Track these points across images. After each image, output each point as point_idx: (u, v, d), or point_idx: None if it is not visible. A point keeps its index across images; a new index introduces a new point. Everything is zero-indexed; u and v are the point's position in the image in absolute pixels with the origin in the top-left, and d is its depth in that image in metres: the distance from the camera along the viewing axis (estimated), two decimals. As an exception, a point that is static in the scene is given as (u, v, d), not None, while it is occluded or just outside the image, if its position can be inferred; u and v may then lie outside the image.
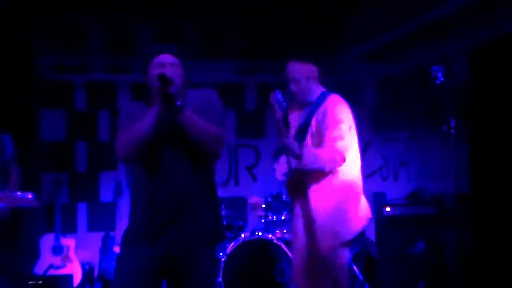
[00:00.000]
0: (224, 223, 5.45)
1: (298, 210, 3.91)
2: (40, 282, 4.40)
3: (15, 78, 6.07)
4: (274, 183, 5.67)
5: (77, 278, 5.69)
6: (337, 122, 3.70)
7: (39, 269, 5.60)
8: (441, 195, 5.21)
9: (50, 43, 6.63)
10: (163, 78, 2.64)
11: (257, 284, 5.05)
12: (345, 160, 3.65)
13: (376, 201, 5.40)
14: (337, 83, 4.15)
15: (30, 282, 4.39)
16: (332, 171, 3.69)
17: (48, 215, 6.11)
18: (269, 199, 5.56)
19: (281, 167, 4.93)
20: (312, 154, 3.68)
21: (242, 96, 7.20)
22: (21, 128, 5.63)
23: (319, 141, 3.74)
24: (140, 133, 2.65)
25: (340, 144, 3.66)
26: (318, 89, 3.86)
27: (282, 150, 3.86)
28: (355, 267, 5.04)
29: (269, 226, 5.42)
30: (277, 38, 6.99)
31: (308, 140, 3.79)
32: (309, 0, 6.40)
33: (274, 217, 5.47)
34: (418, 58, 5.79)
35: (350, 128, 3.73)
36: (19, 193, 4.06)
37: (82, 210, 6.78)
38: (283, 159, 4.72)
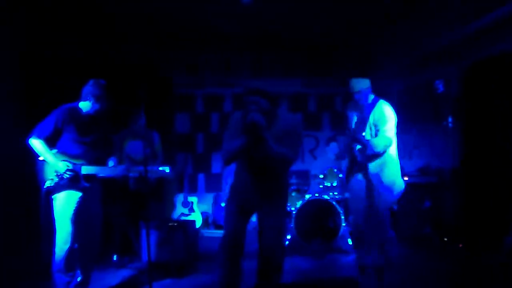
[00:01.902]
0: (295, 187, 6.26)
1: (358, 179, 4.16)
2: (176, 224, 4.73)
3: (159, 93, 6.97)
4: (328, 161, 6.36)
5: (199, 223, 6.35)
6: (389, 119, 4.07)
7: (175, 216, 6.44)
8: (442, 169, 5.84)
9: (181, 70, 7.62)
10: (253, 127, 2.88)
11: (316, 229, 5.49)
12: (391, 145, 4.09)
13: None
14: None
15: (169, 224, 4.73)
16: (384, 152, 4.09)
17: (180, 181, 6.97)
18: (325, 172, 6.12)
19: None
20: (373, 143, 4.01)
21: (306, 103, 7.84)
22: (164, 125, 6.34)
23: (376, 132, 4.10)
24: (232, 152, 3.15)
25: (390, 134, 4.04)
26: (371, 95, 4.21)
27: (353, 140, 4.11)
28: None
29: (325, 190, 5.98)
30: (330, 62, 7.61)
31: (368, 131, 4.12)
32: (352, 36, 6.89)
33: (328, 184, 6.05)
34: (426, 75, 6.16)
35: (394, 123, 4.11)
36: (161, 168, 4.14)
37: (201, 178, 7.81)
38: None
